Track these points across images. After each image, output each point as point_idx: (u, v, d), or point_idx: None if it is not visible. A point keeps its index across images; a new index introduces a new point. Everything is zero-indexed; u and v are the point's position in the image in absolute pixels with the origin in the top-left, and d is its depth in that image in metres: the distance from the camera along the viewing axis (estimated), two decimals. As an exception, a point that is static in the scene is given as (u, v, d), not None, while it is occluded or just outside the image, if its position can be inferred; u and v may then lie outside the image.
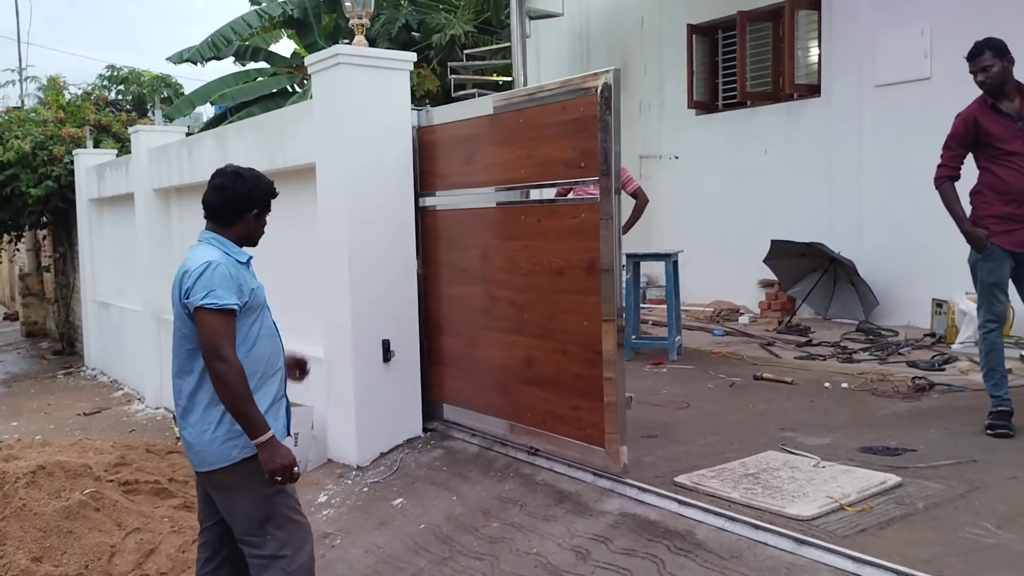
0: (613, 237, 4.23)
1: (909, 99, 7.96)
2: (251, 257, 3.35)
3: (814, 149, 8.89)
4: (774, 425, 5.00)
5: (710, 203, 9.91)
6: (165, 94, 21.17)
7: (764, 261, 8.74)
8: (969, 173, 4.79)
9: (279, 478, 3.04)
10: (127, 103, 21.15)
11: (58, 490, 4.97)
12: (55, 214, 14.03)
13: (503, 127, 5.00)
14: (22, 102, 19.70)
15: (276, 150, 6.44)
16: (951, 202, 4.72)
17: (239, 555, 3.29)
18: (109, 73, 22.81)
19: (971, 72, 4.67)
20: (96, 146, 13.28)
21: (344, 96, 5.38)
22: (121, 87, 22.80)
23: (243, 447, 3.09)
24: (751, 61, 9.55)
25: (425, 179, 5.65)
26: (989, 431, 4.54)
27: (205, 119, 19.25)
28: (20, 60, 24.05)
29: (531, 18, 10.23)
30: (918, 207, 7.85)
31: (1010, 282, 4.72)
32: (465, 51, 12.41)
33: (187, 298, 3.05)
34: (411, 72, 5.76)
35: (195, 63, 14.39)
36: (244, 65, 16.29)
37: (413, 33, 14.12)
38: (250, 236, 3.31)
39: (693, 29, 10.09)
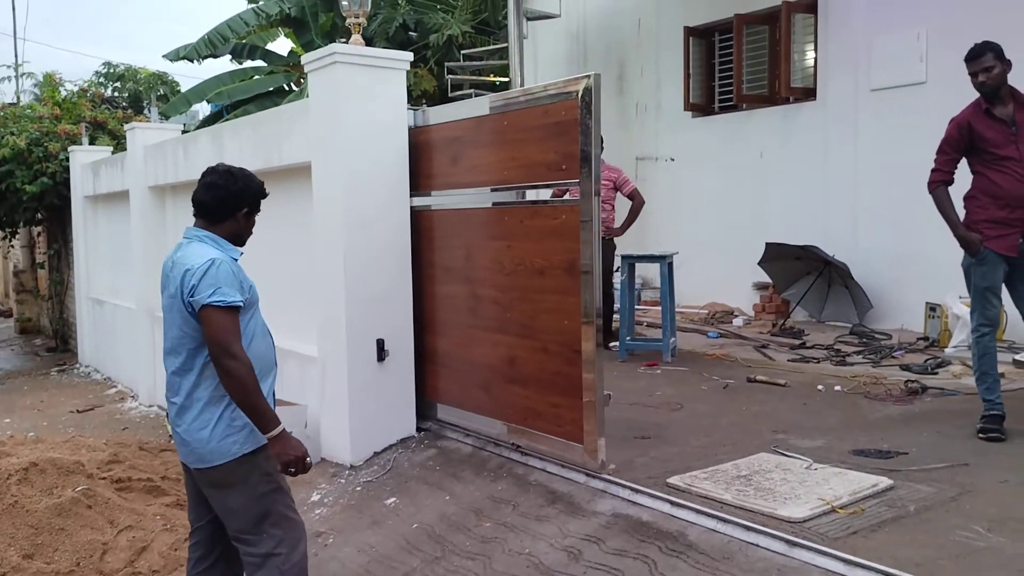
0: (593, 238, 4.32)
1: (904, 103, 7.98)
2: (241, 254, 3.35)
3: (809, 152, 8.91)
4: (767, 427, 5.01)
5: (705, 205, 9.92)
6: (161, 91, 21.16)
7: (759, 263, 8.75)
8: (962, 178, 4.80)
9: (293, 469, 3.05)
10: (123, 100, 21.13)
11: (50, 487, 4.96)
12: (50, 211, 14.00)
13: (487, 129, 5.08)
14: (18, 98, 19.68)
15: (272, 149, 6.43)
16: (945, 206, 4.73)
17: (231, 554, 3.29)
18: (105, 70, 22.79)
19: (971, 73, 4.67)
20: (92, 143, 13.27)
21: (340, 95, 5.38)
22: (117, 84, 22.77)
23: (242, 442, 3.09)
24: (747, 64, 9.57)
25: (417, 179, 5.66)
26: (981, 435, 4.55)
27: (201, 117, 19.21)
28: (16, 56, 24.02)
29: (528, 19, 10.22)
30: (913, 211, 7.86)
31: (1003, 286, 4.73)
32: (462, 51, 12.40)
33: (192, 296, 3.04)
34: (408, 72, 5.76)
35: (192, 61, 14.35)
36: (241, 63, 16.26)
37: (410, 33, 14.11)
38: (239, 235, 3.31)
39: (690, 31, 10.11)
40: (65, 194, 13.05)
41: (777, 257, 8.59)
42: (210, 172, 3.28)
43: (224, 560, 3.33)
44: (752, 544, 3.39)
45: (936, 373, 6.25)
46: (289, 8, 14.19)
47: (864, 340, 7.59)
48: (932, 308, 7.35)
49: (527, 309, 4.80)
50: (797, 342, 7.67)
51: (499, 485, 4.62)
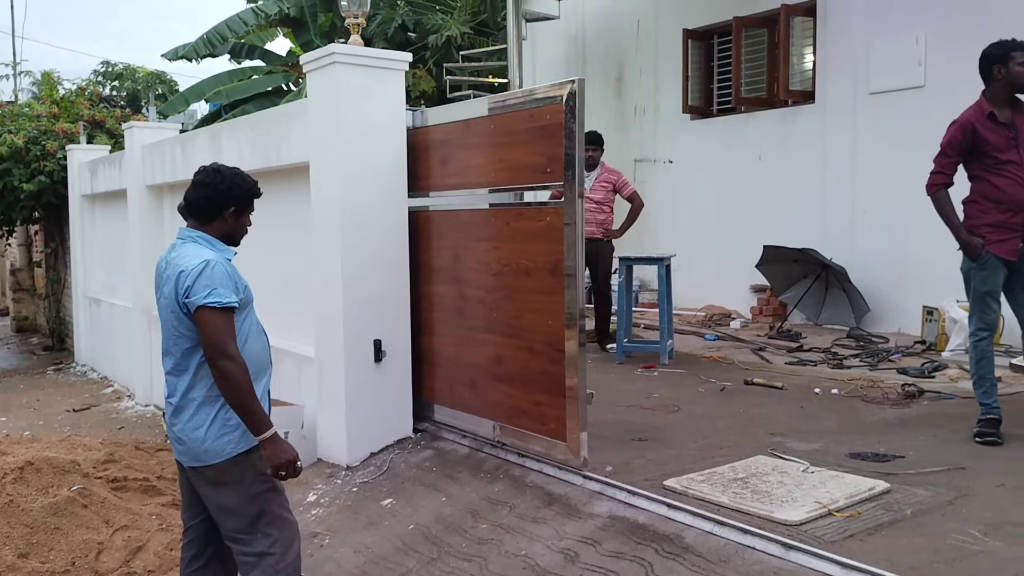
0: (576, 240, 4.38)
1: (903, 107, 7.99)
2: (235, 254, 3.34)
3: (808, 155, 8.92)
4: (764, 430, 5.01)
5: (703, 208, 9.93)
6: (160, 91, 21.14)
7: (756, 266, 8.76)
8: (958, 182, 4.79)
9: (283, 473, 3.06)
10: (121, 99, 21.11)
11: (46, 486, 4.95)
12: (47, 209, 13.99)
13: (476, 131, 5.15)
14: (16, 97, 19.65)
15: (270, 148, 6.43)
16: (947, 210, 4.70)
17: (225, 554, 3.29)
18: (104, 69, 22.79)
19: (1020, 64, 4.54)
20: (89, 142, 13.25)
21: (339, 95, 5.37)
22: (116, 83, 22.77)
23: (236, 442, 3.09)
24: (746, 67, 9.58)
25: (415, 180, 5.67)
26: (978, 439, 4.55)
27: (199, 116, 19.20)
28: (14, 55, 24.00)
29: (527, 20, 10.23)
30: (910, 215, 7.88)
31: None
32: (461, 52, 12.41)
33: (187, 297, 3.04)
34: (406, 73, 5.76)
35: (190, 60, 14.34)
36: (239, 63, 16.24)
37: (409, 33, 14.10)
38: (230, 235, 3.29)
39: (689, 34, 10.12)
40: (63, 193, 13.04)
41: (775, 260, 8.60)
42: (199, 171, 3.29)
43: (217, 560, 3.33)
44: (748, 547, 3.39)
45: (933, 377, 6.25)
46: (288, 8, 14.18)
47: (861, 343, 7.59)
48: (929, 312, 7.36)
49: (513, 309, 4.89)
50: (794, 345, 7.67)
51: (496, 487, 4.61)
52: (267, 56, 15.93)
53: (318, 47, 6.30)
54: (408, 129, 5.63)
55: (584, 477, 4.34)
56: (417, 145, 5.61)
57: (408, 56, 5.71)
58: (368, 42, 10.74)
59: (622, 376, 6.77)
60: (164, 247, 8.21)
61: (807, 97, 9.04)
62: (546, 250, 4.59)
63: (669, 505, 3.82)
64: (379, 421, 5.51)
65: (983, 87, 4.73)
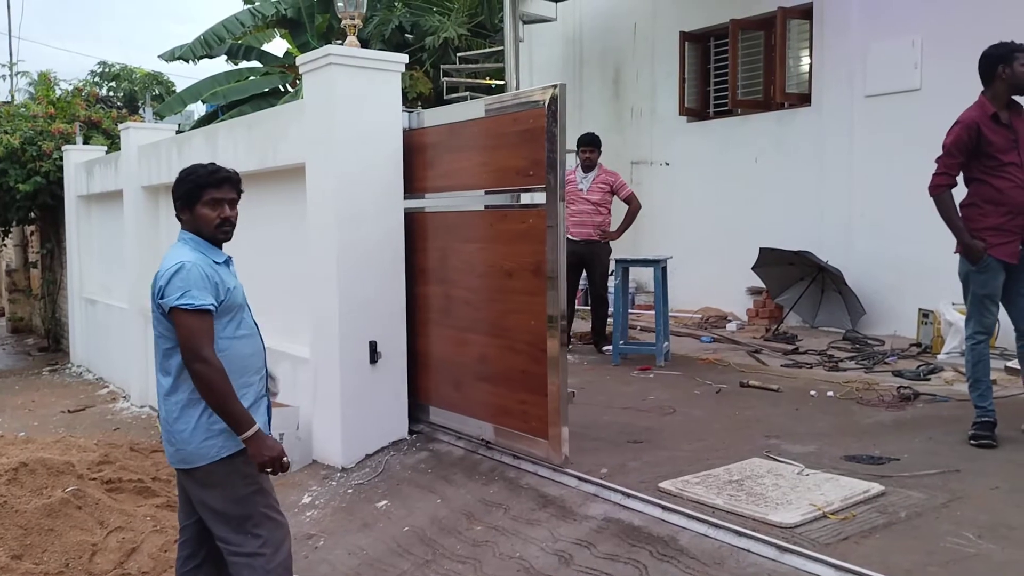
0: (558, 241, 4.48)
1: (899, 109, 8.00)
2: (229, 257, 3.32)
3: (804, 158, 8.93)
4: (759, 432, 5.01)
5: (700, 210, 9.94)
6: (156, 91, 21.13)
7: (752, 268, 8.77)
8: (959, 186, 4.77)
9: (269, 470, 3.06)
10: (118, 100, 21.11)
11: (40, 488, 4.94)
12: (43, 210, 13.96)
13: (466, 134, 5.23)
14: (12, 97, 19.62)
15: (266, 149, 6.42)
16: (950, 212, 4.65)
17: (219, 554, 3.28)
18: (101, 69, 22.78)
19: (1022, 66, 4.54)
20: (86, 142, 13.23)
21: (335, 96, 5.37)
22: (112, 84, 22.76)
23: (221, 446, 3.08)
24: (742, 69, 9.59)
25: (411, 181, 5.67)
26: (973, 441, 4.56)
27: (196, 117, 19.19)
28: (11, 55, 23.97)
29: (525, 22, 10.24)
30: (906, 217, 7.90)
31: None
32: (458, 54, 12.41)
33: (162, 298, 3.04)
34: (403, 74, 5.76)
35: (187, 61, 14.32)
36: (236, 64, 16.24)
37: (406, 35, 14.10)
38: (199, 232, 3.21)
39: (685, 36, 10.13)
40: (59, 193, 13.01)
41: (771, 262, 8.61)
42: None
43: (212, 560, 3.33)
44: (743, 549, 3.39)
45: (928, 379, 6.26)
46: (285, 9, 14.18)
47: (857, 346, 7.60)
48: (925, 314, 7.37)
49: (497, 309, 5.00)
50: (790, 347, 7.68)
51: (491, 488, 4.61)
52: (264, 57, 15.93)
53: (315, 48, 6.30)
54: (404, 130, 5.63)
55: (579, 479, 4.33)
56: (413, 146, 5.62)
57: (404, 57, 5.71)
58: (365, 43, 10.71)
59: (618, 378, 6.77)
60: (160, 247, 8.23)
61: (803, 100, 9.05)
62: (528, 251, 4.70)
63: (664, 507, 3.82)
64: (374, 423, 5.50)
65: (981, 89, 4.72)
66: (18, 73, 21.41)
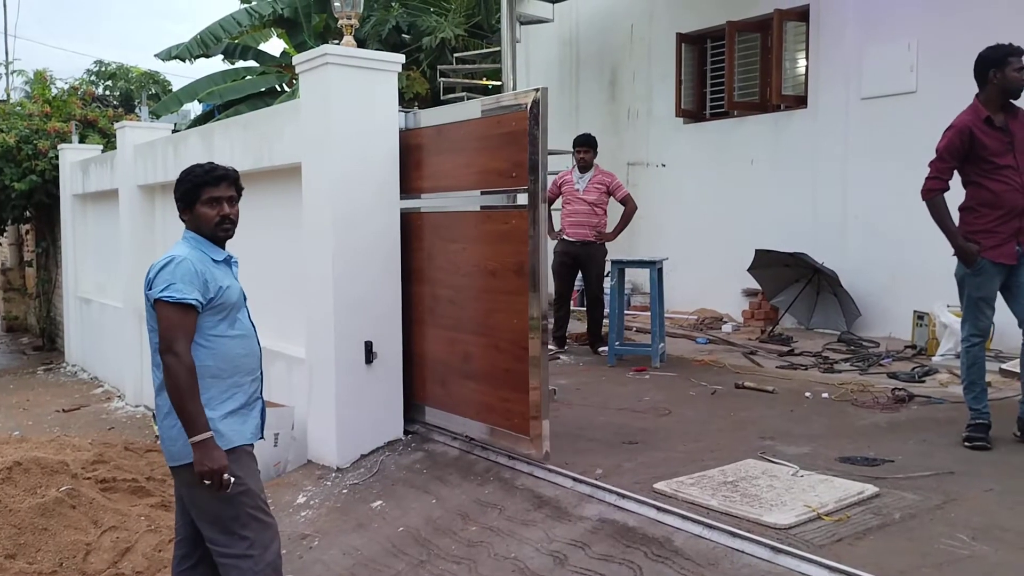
0: (540, 242, 4.60)
1: (894, 112, 8.02)
2: (230, 256, 3.32)
3: (800, 160, 8.94)
4: (754, 433, 5.02)
5: (695, 211, 9.95)
6: (153, 91, 21.09)
7: (748, 270, 8.77)
8: (954, 188, 4.78)
9: (207, 482, 2.99)
10: (114, 99, 21.06)
11: (34, 487, 4.93)
12: (38, 209, 13.94)
13: (452, 136, 5.31)
14: (8, 96, 19.57)
15: (262, 149, 6.42)
16: (943, 216, 4.66)
17: (215, 554, 3.28)
18: (97, 68, 22.74)
19: (1018, 68, 4.53)
20: (82, 141, 13.22)
21: (331, 96, 5.37)
22: (109, 83, 22.72)
23: None
24: (739, 71, 9.61)
25: (407, 182, 5.68)
26: (967, 443, 4.56)
27: (192, 117, 19.16)
28: (7, 53, 23.88)
29: (522, 23, 10.24)
30: (901, 219, 7.92)
31: (998, 295, 4.70)
32: (455, 55, 12.41)
33: (149, 290, 3.08)
34: (400, 74, 5.76)
35: (184, 60, 14.31)
36: (233, 63, 16.22)
37: (403, 35, 14.10)
38: (199, 230, 3.23)
39: (682, 38, 10.14)
40: (54, 192, 12.99)
41: (767, 264, 8.62)
42: None
43: (208, 560, 3.31)
44: (738, 550, 3.39)
45: (923, 381, 6.27)
46: (282, 9, 14.17)
47: (852, 348, 7.61)
48: (920, 316, 7.38)
49: (482, 308, 5.09)
50: (785, 349, 7.69)
51: (486, 489, 4.61)
52: (260, 57, 15.91)
53: (312, 48, 6.29)
54: (401, 130, 5.63)
55: (574, 480, 4.33)
56: (410, 147, 5.62)
57: (401, 57, 5.71)
58: (362, 43, 10.73)
59: (613, 379, 6.78)
60: (155, 247, 8.21)
61: (799, 102, 9.07)
62: (511, 252, 4.80)
63: (659, 508, 3.82)
64: (369, 423, 5.50)
65: (976, 91, 4.73)
66: (14, 72, 21.34)
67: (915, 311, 7.45)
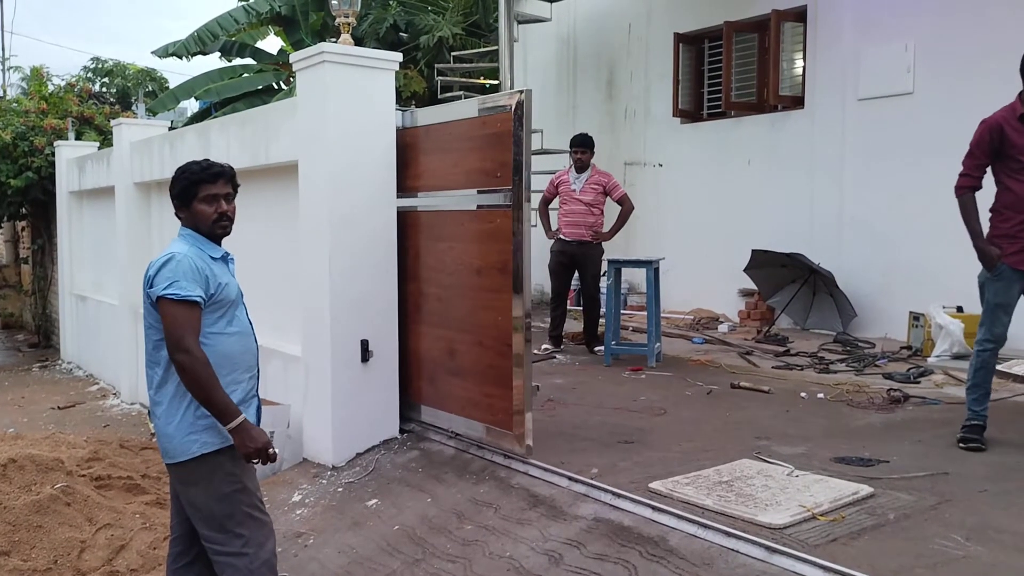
0: (523, 241, 4.70)
1: (891, 113, 8.03)
2: (227, 253, 3.32)
3: (796, 160, 8.95)
4: (749, 433, 5.02)
5: (692, 211, 9.96)
6: (149, 88, 21.06)
7: (744, 270, 8.79)
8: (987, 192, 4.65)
9: (256, 460, 3.05)
10: (111, 96, 21.01)
11: (29, 484, 4.92)
12: (34, 206, 13.91)
13: (436, 137, 5.39)
14: (4, 92, 19.53)
15: (259, 147, 6.41)
16: (970, 214, 4.54)
17: (210, 552, 3.27)
18: (94, 65, 22.69)
19: None
20: (78, 138, 13.19)
21: (328, 94, 5.36)
22: (105, 80, 22.67)
23: (203, 443, 3.08)
24: (736, 71, 9.61)
25: (404, 180, 5.68)
26: (961, 444, 4.57)
27: (189, 114, 19.14)
28: (3, 50, 23.84)
29: (519, 22, 10.25)
30: (898, 220, 7.94)
31: (1017, 304, 4.59)
32: (453, 53, 12.41)
33: (150, 288, 3.05)
34: (397, 73, 5.75)
35: (180, 57, 14.30)
36: (230, 61, 16.20)
37: (401, 34, 14.10)
38: (197, 228, 3.22)
39: (680, 38, 10.14)
40: (50, 189, 12.97)
41: (763, 264, 8.63)
42: None
43: (202, 558, 3.31)
44: (732, 550, 3.39)
45: (918, 382, 6.28)
46: (279, 6, 14.16)
47: (848, 348, 7.62)
48: (915, 317, 7.39)
49: (467, 306, 5.18)
50: (781, 349, 7.70)
51: (481, 488, 4.61)
52: (258, 54, 15.90)
53: (309, 46, 6.28)
54: (398, 129, 5.63)
55: (569, 479, 4.33)
56: (406, 145, 5.62)
57: (398, 56, 5.70)
58: (359, 42, 10.73)
59: (609, 378, 6.78)
60: (151, 244, 8.20)
61: (796, 102, 9.08)
62: (495, 250, 4.90)
63: (654, 508, 3.82)
64: (365, 421, 5.49)
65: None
66: (10, 68, 21.32)
67: (911, 312, 7.46)
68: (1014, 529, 3.44)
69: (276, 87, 15.35)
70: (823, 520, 3.54)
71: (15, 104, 14.88)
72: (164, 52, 14.50)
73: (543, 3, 10.48)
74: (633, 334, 8.69)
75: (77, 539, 4.62)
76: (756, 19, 9.36)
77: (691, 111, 10.30)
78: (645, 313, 7.67)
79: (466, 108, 5.23)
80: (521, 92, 4.66)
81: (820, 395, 5.96)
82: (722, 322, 9.29)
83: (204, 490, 3.12)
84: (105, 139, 13.41)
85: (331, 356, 5.38)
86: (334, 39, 5.86)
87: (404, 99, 12.40)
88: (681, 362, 7.36)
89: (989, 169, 4.61)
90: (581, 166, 7.72)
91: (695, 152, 10.04)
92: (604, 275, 7.82)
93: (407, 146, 5.62)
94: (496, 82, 10.85)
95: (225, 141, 6.94)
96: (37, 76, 16.23)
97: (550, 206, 8.02)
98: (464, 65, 11.96)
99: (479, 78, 12.36)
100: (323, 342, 5.43)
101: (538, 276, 10.97)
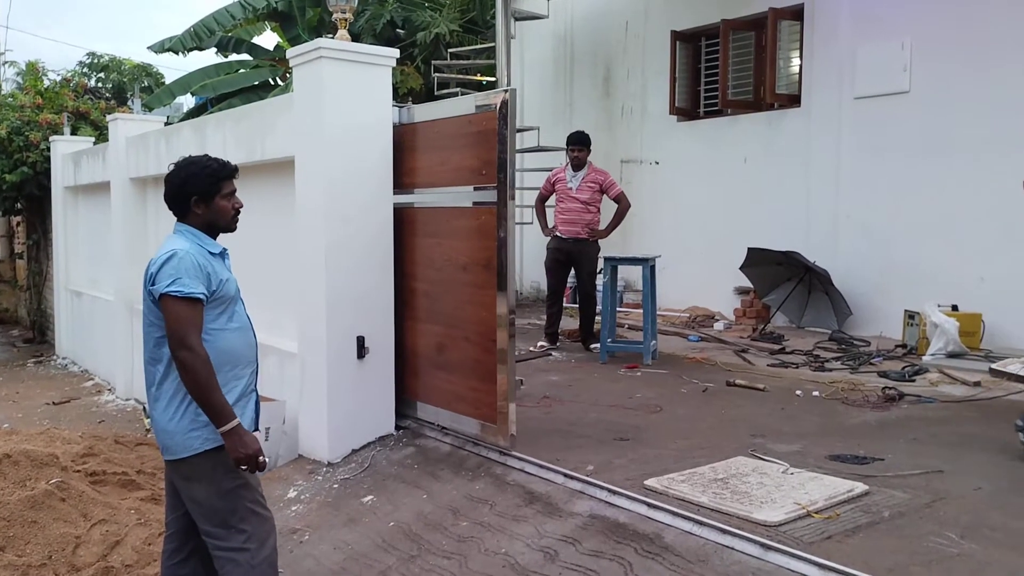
0: (508, 238, 4.80)
1: (888, 112, 8.04)
2: (225, 249, 3.31)
3: (793, 159, 8.96)
4: (745, 431, 5.03)
5: (689, 209, 9.96)
6: (146, 83, 20.99)
7: (740, 268, 8.80)
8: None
9: (244, 467, 3.03)
10: (107, 91, 20.96)
11: (23, 479, 4.91)
12: (30, 201, 13.88)
13: (423, 134, 5.46)
14: (0, 87, 19.47)
15: (255, 142, 6.40)
16: None
17: (205, 547, 3.27)
18: (90, 60, 22.59)
19: None
20: (74, 133, 13.16)
21: (325, 90, 5.35)
22: (101, 75, 22.57)
23: (205, 439, 3.07)
24: (733, 69, 9.61)
25: (400, 177, 5.68)
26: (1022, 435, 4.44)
27: (185, 109, 19.09)
28: (-1, 44, 23.74)
29: (516, 19, 10.23)
30: (893, 219, 7.96)
31: None
32: (449, 50, 12.40)
33: (153, 285, 3.04)
34: (394, 69, 5.74)
35: (177, 53, 14.26)
36: (226, 56, 16.17)
37: (398, 30, 14.08)
38: (212, 224, 3.23)
39: (677, 36, 10.14)
40: (45, 184, 12.94)
41: (759, 262, 8.64)
42: (169, 168, 3.27)
43: (198, 554, 3.31)
44: (727, 547, 3.40)
45: (913, 380, 6.29)
46: (276, 2, 14.13)
47: (843, 346, 7.63)
48: (911, 316, 7.41)
49: (453, 301, 5.27)
50: (777, 347, 7.71)
51: (477, 484, 4.61)
52: (254, 50, 15.86)
53: (306, 42, 6.27)
54: (395, 125, 5.62)
55: (565, 476, 4.34)
56: (403, 142, 5.62)
57: (395, 52, 5.69)
58: (356, 38, 10.71)
59: (605, 376, 6.78)
60: (147, 240, 8.14)
61: (793, 101, 9.09)
62: (481, 247, 4.98)
63: (649, 505, 3.83)
64: (361, 418, 5.49)
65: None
66: (6, 63, 21.24)
67: (906, 310, 7.48)
68: (1008, 527, 3.45)
69: (272, 83, 15.31)
70: (818, 518, 3.55)
71: (11, 99, 14.84)
72: (160, 47, 14.47)
73: (540, 0, 10.47)
74: (629, 332, 8.70)
75: (72, 535, 4.61)
76: (753, 17, 9.36)
77: (688, 109, 10.30)
78: (641, 311, 7.68)
79: (462, 105, 5.23)
80: (506, 91, 4.76)
81: (815, 393, 5.97)
82: (718, 320, 9.30)
83: (206, 486, 3.11)
84: (101, 134, 13.38)
85: (327, 352, 5.37)
86: (331, 35, 5.84)
87: (401, 96, 12.38)
88: (677, 360, 7.37)
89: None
90: (577, 164, 7.72)
91: (691, 150, 10.05)
92: (600, 272, 7.82)
93: (403, 143, 5.61)
94: (493, 79, 10.84)
95: (221, 137, 6.93)
96: (32, 71, 16.18)
97: (547, 203, 8.02)
98: (461, 62, 11.95)
99: (476, 75, 12.35)
100: (319, 338, 5.43)
101: (534, 273, 11.00)
